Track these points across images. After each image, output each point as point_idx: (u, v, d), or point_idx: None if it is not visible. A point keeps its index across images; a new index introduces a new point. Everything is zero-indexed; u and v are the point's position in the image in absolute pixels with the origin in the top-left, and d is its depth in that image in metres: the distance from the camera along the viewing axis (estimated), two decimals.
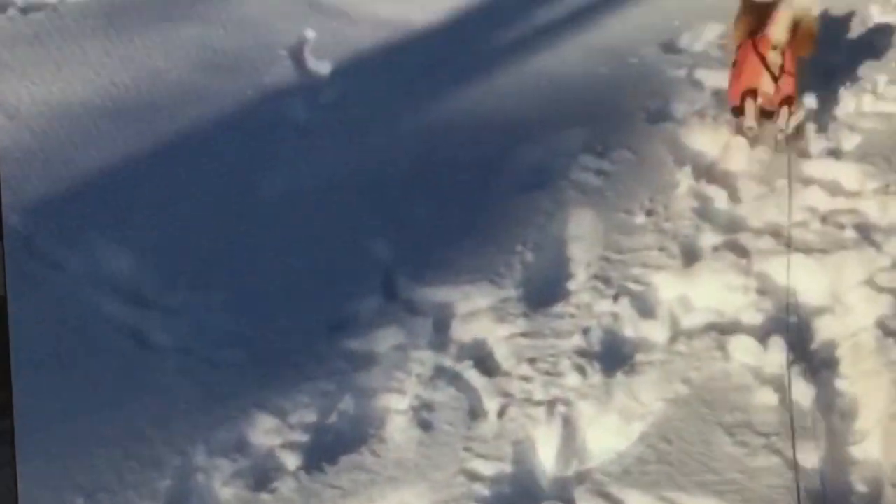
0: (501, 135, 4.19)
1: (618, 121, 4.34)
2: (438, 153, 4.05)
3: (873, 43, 4.91)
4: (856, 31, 5.06)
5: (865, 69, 4.66)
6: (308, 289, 3.30)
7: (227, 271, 3.35)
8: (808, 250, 3.32)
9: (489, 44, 4.97)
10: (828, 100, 4.42)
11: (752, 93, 3.90)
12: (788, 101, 3.90)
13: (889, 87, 4.48)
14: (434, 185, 3.84)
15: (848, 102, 4.39)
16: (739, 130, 4.04)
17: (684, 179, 3.82)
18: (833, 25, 5.06)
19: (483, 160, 4.01)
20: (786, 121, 3.89)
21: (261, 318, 3.14)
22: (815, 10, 4.10)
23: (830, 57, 4.80)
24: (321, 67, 4.73)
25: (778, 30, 3.86)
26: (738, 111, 4.01)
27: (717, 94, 4.54)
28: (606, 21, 5.25)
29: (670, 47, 5.00)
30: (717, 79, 4.65)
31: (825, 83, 4.56)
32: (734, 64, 4.13)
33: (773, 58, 3.88)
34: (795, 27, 3.89)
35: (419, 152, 4.05)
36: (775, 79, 3.87)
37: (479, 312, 3.20)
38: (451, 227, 3.59)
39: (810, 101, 4.41)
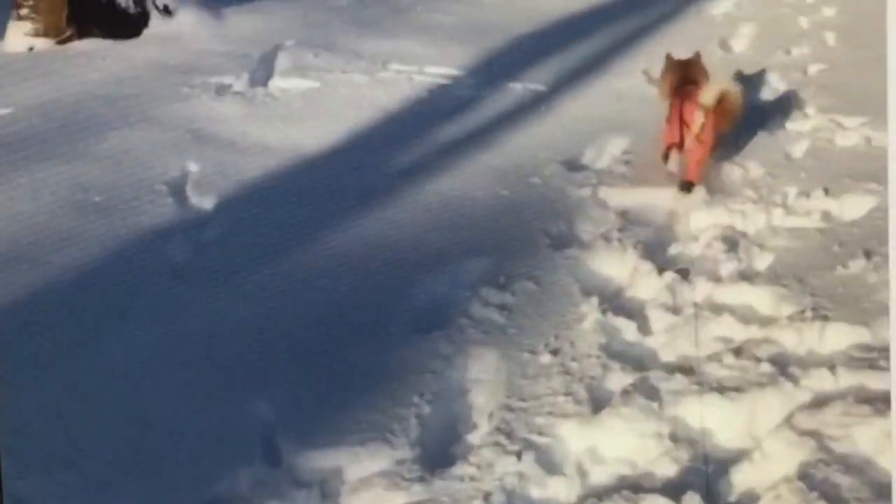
0: (397, 269, 4.01)
1: (521, 248, 4.20)
2: (328, 294, 3.85)
3: (783, 152, 4.90)
4: (764, 139, 5.05)
5: (775, 181, 4.62)
6: (176, 460, 3.01)
7: (78, 448, 3.03)
8: (722, 388, 3.16)
9: (384, 169, 4.84)
10: (737, 215, 4.36)
11: (677, 145, 4.52)
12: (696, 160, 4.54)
13: (799, 199, 4.44)
14: (322, 331, 3.62)
15: (757, 218, 4.33)
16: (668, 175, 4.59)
17: (591, 312, 3.67)
18: (742, 133, 5.06)
19: (376, 300, 3.82)
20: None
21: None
22: (739, 92, 4.66)
23: (737, 168, 4.77)
24: (204, 202, 4.53)
25: (707, 95, 4.45)
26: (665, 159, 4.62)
27: (623, 213, 4.46)
28: (507, 140, 5.18)
29: (573, 165, 4.92)
30: (622, 197, 4.60)
31: (733, 196, 4.51)
32: (667, 119, 4.67)
33: (698, 118, 4.43)
34: (722, 100, 4.49)
35: (307, 295, 3.84)
36: (695, 137, 4.47)
37: (371, 479, 2.95)
38: (339, 379, 3.37)
39: (719, 216, 4.37)
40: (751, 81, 5.70)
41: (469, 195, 4.64)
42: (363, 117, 5.38)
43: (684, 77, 4.79)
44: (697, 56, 4.96)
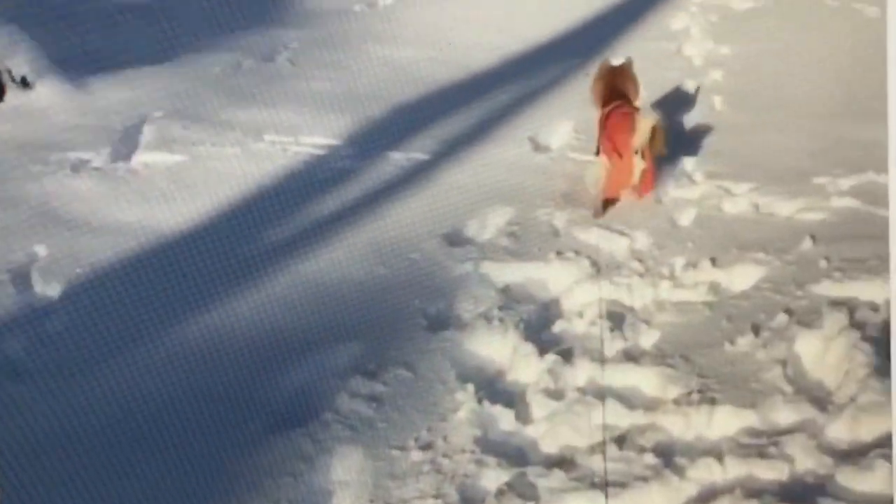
0: (259, 359, 3.79)
1: (396, 330, 4.02)
2: (179, 388, 3.60)
3: (670, 220, 4.83)
4: (651, 207, 4.98)
5: (661, 251, 4.53)
6: None
7: None
8: (604, 484, 3.00)
9: (251, 249, 4.62)
10: (622, 289, 4.25)
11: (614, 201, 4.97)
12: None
13: (686, 271, 4.35)
14: (170, 430, 3.37)
15: (644, 292, 4.23)
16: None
17: (466, 401, 3.50)
18: (628, 200, 4.99)
19: (234, 393, 3.58)
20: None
21: None
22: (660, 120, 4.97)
23: (623, 238, 4.68)
24: (50, 290, 4.26)
25: (640, 139, 4.80)
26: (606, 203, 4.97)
27: (506, 289, 4.32)
28: (386, 213, 5.01)
29: (455, 238, 4.78)
30: (504, 272, 4.46)
31: (619, 268, 4.41)
32: (601, 126, 5.12)
33: (637, 161, 4.85)
34: (652, 134, 4.84)
35: (158, 390, 3.59)
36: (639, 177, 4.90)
37: None
38: (186, 488, 3.11)
39: (605, 289, 4.26)
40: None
41: (343, 274, 4.44)
42: (232, 193, 5.16)
43: (613, 85, 5.29)
44: (629, 62, 5.40)
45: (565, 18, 8.41)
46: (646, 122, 4.81)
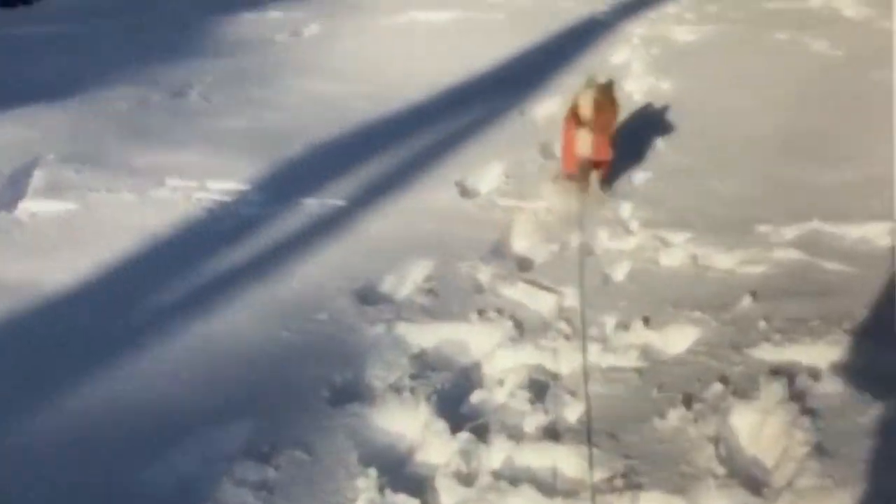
0: (136, 441, 3.50)
1: (295, 405, 3.75)
2: (45, 481, 3.30)
3: (602, 274, 4.64)
4: (583, 259, 4.79)
5: (591, 310, 4.33)
6: None
7: None
8: None
9: (141, 310, 4.35)
10: (547, 353, 4.04)
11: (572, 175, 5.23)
12: (600, 164, 5.26)
13: (618, 332, 4.16)
14: None
15: (571, 356, 4.01)
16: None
17: (367, 489, 3.25)
18: (558, 252, 4.81)
19: (103, 484, 3.29)
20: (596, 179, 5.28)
21: None
22: (608, 84, 5.38)
23: (551, 295, 4.48)
24: None
25: (584, 110, 5.07)
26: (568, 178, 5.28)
27: (420, 354, 4.09)
28: (295, 267, 4.76)
29: (369, 296, 4.53)
30: (420, 335, 4.23)
31: (544, 330, 4.20)
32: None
33: (583, 134, 5.06)
34: (601, 102, 5.13)
35: (15, 481, 3.29)
36: (590, 148, 5.08)
37: None
38: None
39: (528, 354, 4.05)
40: (572, 191, 5.49)
41: (241, 338, 4.18)
42: (126, 245, 4.89)
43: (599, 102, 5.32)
44: (610, 84, 5.47)
45: (501, 52, 8.30)
46: (586, 94, 5.11)
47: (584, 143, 5.07)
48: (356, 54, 8.36)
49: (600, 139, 5.11)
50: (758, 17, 9.56)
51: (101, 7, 10.28)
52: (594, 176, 5.30)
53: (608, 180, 5.46)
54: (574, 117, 5.17)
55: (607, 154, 5.20)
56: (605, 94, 5.40)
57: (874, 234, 4.83)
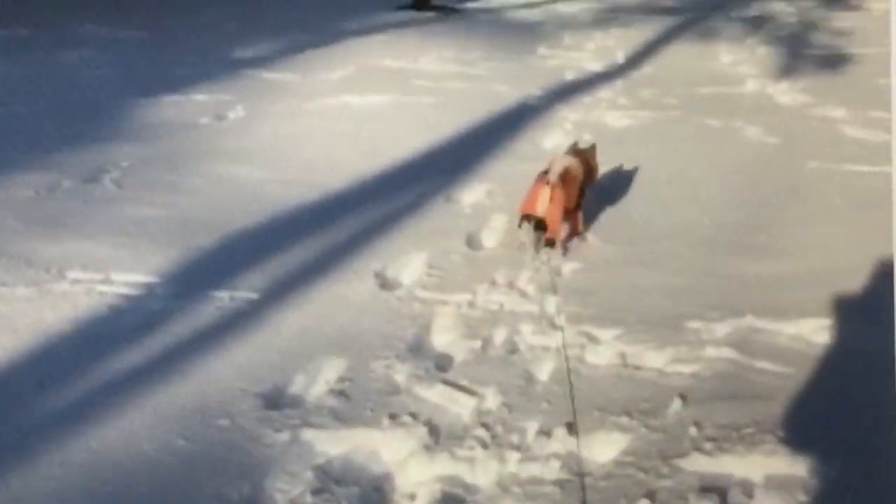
0: None
1: None
2: None
3: (525, 375, 4.40)
4: (505, 359, 4.55)
5: (512, 414, 4.07)
6: None
7: None
8: None
9: (25, 418, 4.02)
10: (464, 464, 3.77)
11: (528, 217, 5.39)
12: (545, 228, 5.38)
13: (539, 439, 3.91)
14: None
15: (488, 467, 3.75)
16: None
17: None
18: (479, 352, 4.57)
19: None
20: (535, 244, 5.45)
21: None
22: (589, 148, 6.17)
23: (470, 398, 4.22)
24: None
25: (552, 175, 5.48)
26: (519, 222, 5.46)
27: (327, 465, 3.79)
28: (198, 367, 4.45)
29: (275, 399, 4.23)
30: (330, 442, 3.93)
31: (461, 437, 3.93)
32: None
33: (545, 195, 5.37)
34: (570, 176, 5.63)
35: None
36: (544, 209, 5.35)
37: None
38: None
39: (443, 465, 3.78)
40: (497, 285, 5.27)
41: (132, 449, 3.85)
42: (16, 344, 4.56)
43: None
44: (592, 149, 6.20)
45: (430, 137, 8.13)
46: (562, 160, 5.64)
47: (542, 203, 5.35)
48: (280, 138, 8.14)
49: (553, 210, 5.35)
50: (691, 103, 9.53)
51: (22, 88, 9.97)
52: (538, 235, 5.42)
53: (553, 242, 5.48)
54: (545, 175, 5.53)
55: (555, 226, 5.38)
56: (583, 157, 5.92)
57: (809, 330, 4.65)
